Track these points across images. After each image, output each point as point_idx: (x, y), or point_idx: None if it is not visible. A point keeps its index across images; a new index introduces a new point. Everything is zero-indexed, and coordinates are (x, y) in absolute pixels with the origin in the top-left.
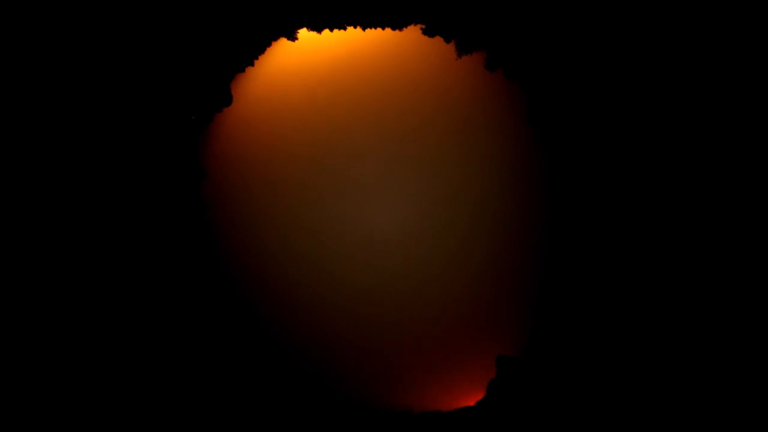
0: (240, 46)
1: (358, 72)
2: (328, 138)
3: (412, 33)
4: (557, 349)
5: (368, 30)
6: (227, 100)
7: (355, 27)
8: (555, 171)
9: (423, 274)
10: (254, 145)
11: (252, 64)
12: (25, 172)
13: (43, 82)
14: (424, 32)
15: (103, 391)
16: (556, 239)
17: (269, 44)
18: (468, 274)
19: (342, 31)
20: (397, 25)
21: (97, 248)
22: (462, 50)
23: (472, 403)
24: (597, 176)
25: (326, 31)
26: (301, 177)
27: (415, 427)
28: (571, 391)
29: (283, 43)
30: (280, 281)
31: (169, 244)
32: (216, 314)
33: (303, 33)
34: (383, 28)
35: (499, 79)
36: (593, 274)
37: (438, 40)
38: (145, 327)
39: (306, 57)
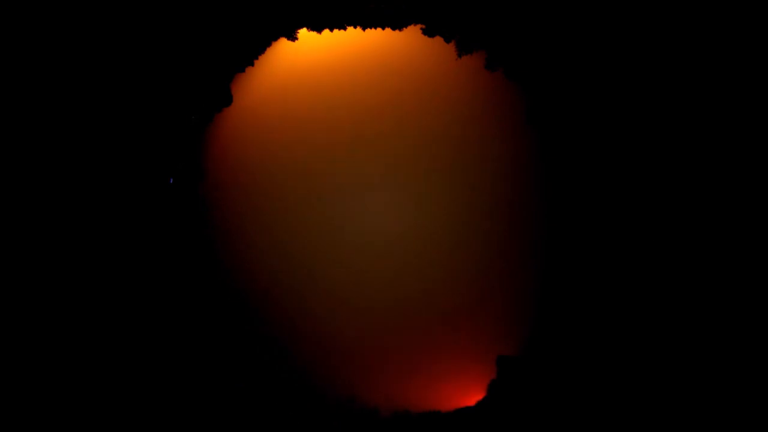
0: (240, 46)
1: (357, 72)
2: (327, 138)
3: (412, 33)
4: (558, 349)
5: (368, 30)
6: (227, 100)
7: (355, 27)
8: (555, 171)
9: (422, 273)
10: (254, 146)
11: (252, 64)
12: (23, 172)
13: (42, 81)
14: (424, 32)
15: (102, 391)
16: (556, 239)
17: (269, 44)
18: (467, 273)
19: (342, 31)
20: (397, 25)
21: (95, 248)
22: (462, 50)
23: (472, 403)
24: (598, 176)
25: (326, 31)
26: (301, 177)
27: (415, 427)
28: (572, 391)
29: (283, 43)
30: (280, 282)
31: (168, 244)
32: (214, 314)
33: (303, 33)
34: (383, 28)
35: (499, 79)
36: (594, 274)
37: (438, 40)
38: (143, 327)
39: (306, 57)
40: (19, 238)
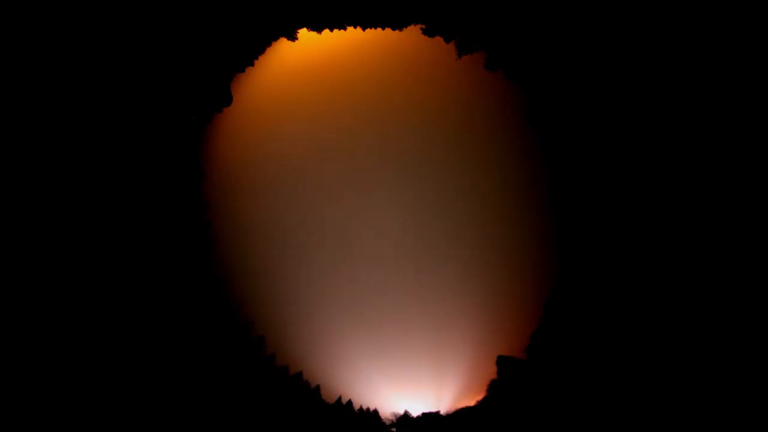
0: (240, 46)
1: (357, 72)
2: (327, 138)
3: (412, 33)
4: (558, 349)
5: (368, 30)
6: (227, 100)
7: (355, 27)
8: (555, 171)
9: (422, 274)
10: (254, 146)
11: (252, 64)
12: (25, 172)
13: (45, 82)
14: (424, 32)
15: (100, 389)
16: (556, 240)
17: (269, 44)
18: (468, 274)
19: (342, 31)
20: (397, 25)
21: (96, 247)
22: (462, 50)
23: (472, 403)
24: (597, 176)
25: (326, 31)
26: (300, 177)
27: (416, 427)
28: (572, 392)
29: (283, 43)
30: (280, 281)
31: (169, 243)
32: (214, 313)
33: (303, 33)
34: (383, 28)
35: (499, 79)
36: (594, 274)
37: (438, 40)
38: (143, 325)
39: (306, 57)
40: (19, 236)
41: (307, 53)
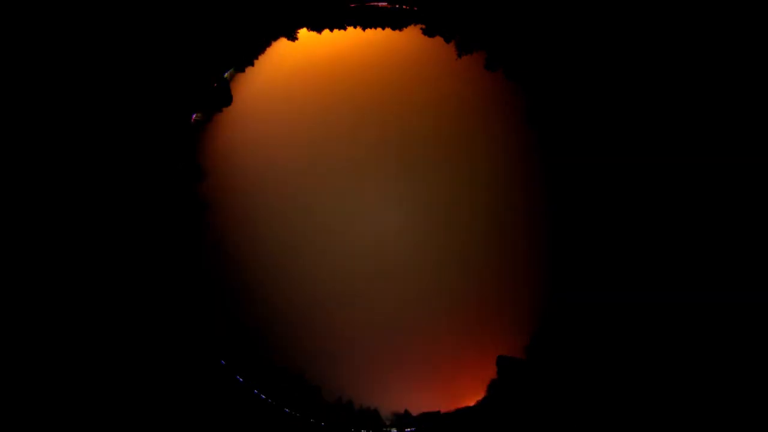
0: (240, 46)
1: (357, 72)
2: (328, 138)
3: (412, 33)
4: (559, 349)
5: (368, 30)
6: (227, 100)
7: (355, 27)
8: (556, 172)
9: (422, 274)
10: (254, 146)
11: (252, 64)
12: (19, 172)
13: (41, 81)
14: (424, 32)
15: (99, 390)
16: (557, 240)
17: (269, 44)
18: (468, 274)
19: (342, 31)
20: (397, 25)
21: (95, 247)
22: (462, 50)
23: (472, 403)
24: (598, 177)
25: (326, 31)
26: (301, 178)
27: (416, 427)
28: (573, 392)
29: (283, 43)
30: (279, 283)
31: (168, 245)
32: (213, 313)
33: (303, 33)
34: (383, 28)
35: (499, 79)
36: (596, 275)
37: (438, 40)
38: (142, 325)
39: (306, 57)
40: (15, 238)
41: (307, 53)
